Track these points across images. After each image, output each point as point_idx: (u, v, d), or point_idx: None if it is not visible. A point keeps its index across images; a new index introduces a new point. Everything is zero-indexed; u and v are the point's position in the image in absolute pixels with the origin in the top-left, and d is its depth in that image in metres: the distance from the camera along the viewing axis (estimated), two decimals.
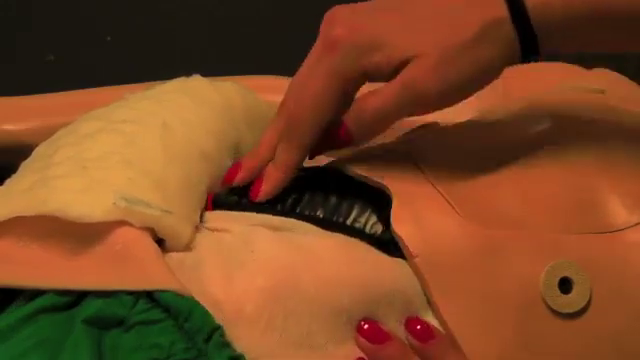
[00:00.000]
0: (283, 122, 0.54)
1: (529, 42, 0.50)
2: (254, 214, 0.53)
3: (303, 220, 0.52)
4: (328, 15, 0.52)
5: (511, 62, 0.51)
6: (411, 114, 0.52)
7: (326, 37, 0.51)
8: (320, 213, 0.53)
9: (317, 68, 0.52)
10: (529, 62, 0.51)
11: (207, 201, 0.55)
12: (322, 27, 0.52)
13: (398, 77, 0.50)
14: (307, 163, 0.59)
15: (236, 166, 0.55)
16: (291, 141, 0.53)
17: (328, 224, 0.52)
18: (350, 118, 0.52)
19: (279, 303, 0.47)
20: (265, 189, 0.53)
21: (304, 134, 0.52)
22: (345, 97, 0.52)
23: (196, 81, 0.60)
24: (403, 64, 0.50)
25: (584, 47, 0.51)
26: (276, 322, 0.47)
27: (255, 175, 0.54)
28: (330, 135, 0.53)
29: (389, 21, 0.51)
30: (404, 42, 0.50)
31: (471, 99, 0.53)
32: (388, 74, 0.51)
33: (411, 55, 0.49)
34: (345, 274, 0.49)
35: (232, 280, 0.48)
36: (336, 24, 0.51)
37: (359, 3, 0.53)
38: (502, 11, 0.49)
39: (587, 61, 0.69)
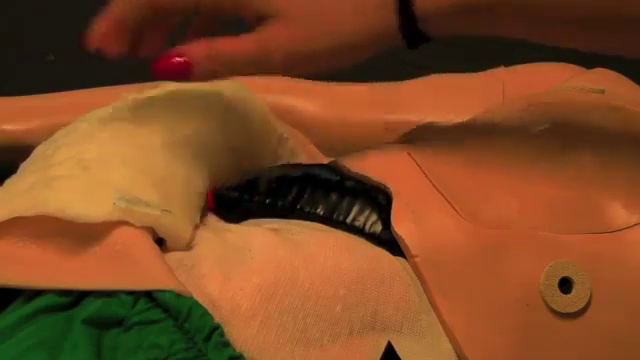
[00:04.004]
0: None
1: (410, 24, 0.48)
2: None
3: (304, 216, 0.52)
4: None
5: (385, 44, 0.48)
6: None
7: None
8: (320, 210, 0.53)
9: None
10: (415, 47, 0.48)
11: (207, 197, 0.55)
12: None
13: (255, 35, 0.49)
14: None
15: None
16: None
17: (328, 221, 0.52)
18: (198, 52, 0.50)
19: (275, 301, 0.47)
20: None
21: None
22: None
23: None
24: (263, 17, 0.48)
25: (475, 30, 0.49)
26: (272, 320, 0.47)
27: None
28: (170, 61, 0.51)
29: None
30: None
31: (471, 99, 0.52)
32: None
33: (273, 14, 0.48)
34: (345, 268, 0.49)
35: (229, 279, 0.48)
36: None
37: None
38: None
39: (587, 61, 0.69)
